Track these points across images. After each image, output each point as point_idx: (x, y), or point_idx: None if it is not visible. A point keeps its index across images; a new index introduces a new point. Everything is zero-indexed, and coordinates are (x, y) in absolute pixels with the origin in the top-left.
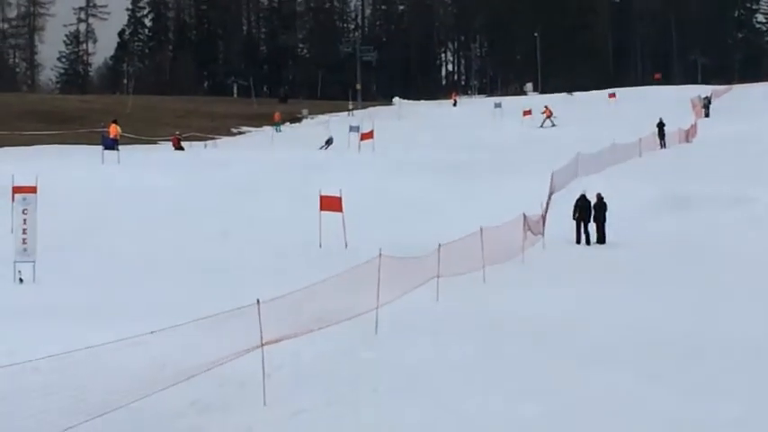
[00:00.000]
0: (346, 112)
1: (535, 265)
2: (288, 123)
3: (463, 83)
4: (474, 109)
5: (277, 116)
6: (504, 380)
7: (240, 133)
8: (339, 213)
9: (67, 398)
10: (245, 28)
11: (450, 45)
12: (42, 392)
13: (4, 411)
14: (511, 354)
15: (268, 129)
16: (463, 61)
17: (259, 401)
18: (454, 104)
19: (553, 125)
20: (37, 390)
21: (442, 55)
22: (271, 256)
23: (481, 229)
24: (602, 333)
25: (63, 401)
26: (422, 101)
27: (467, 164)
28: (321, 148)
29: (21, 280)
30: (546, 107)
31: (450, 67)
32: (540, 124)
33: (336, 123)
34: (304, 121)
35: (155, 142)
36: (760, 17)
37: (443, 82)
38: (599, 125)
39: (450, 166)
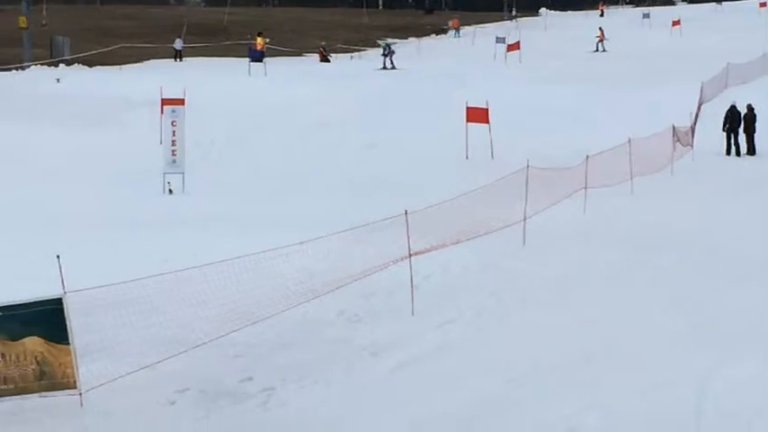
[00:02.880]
0: (493, 24)
1: (684, 176)
2: (434, 35)
3: None
4: (622, 19)
5: (455, 22)
6: (651, 291)
7: None
8: (485, 125)
9: (217, 307)
10: None
11: None
12: (193, 301)
13: (154, 321)
14: (658, 265)
15: (413, 40)
16: None
17: (407, 312)
18: (601, 15)
19: (604, 50)
20: (188, 299)
21: None
22: (417, 167)
23: (629, 140)
24: (751, 247)
25: (212, 310)
26: (569, 11)
27: (615, 75)
28: (384, 61)
29: (170, 191)
30: (600, 29)
31: None
32: (593, 49)
33: (483, 36)
34: (450, 32)
35: (300, 54)
36: None
37: None
38: (749, 35)
39: (598, 76)
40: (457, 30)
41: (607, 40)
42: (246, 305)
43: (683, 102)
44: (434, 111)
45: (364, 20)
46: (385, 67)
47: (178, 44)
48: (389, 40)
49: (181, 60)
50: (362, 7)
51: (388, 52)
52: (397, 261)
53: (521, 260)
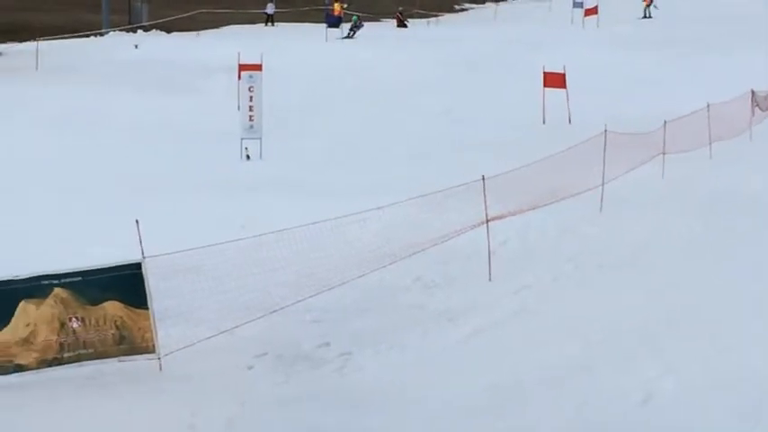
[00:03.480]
0: None
1: (763, 141)
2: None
3: None
4: None
5: None
6: (731, 256)
7: (463, 10)
8: (563, 90)
9: (294, 272)
10: None
11: None
12: (270, 267)
13: (231, 286)
14: (738, 230)
15: (490, 5)
16: None
17: (484, 277)
18: None
19: (650, 16)
20: (265, 264)
21: None
22: (494, 132)
23: (708, 105)
24: None
25: (290, 275)
26: None
27: (697, 38)
28: (347, 36)
29: (248, 157)
30: None
31: None
32: (641, 15)
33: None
34: None
35: (378, 19)
36: None
37: None
38: None
39: (680, 41)
40: None
41: (656, 8)
42: (323, 270)
43: (763, 66)
44: (511, 76)
45: None
46: (347, 37)
47: (270, 8)
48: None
49: (273, 25)
50: None
51: (356, 26)
52: (474, 227)
53: (598, 225)
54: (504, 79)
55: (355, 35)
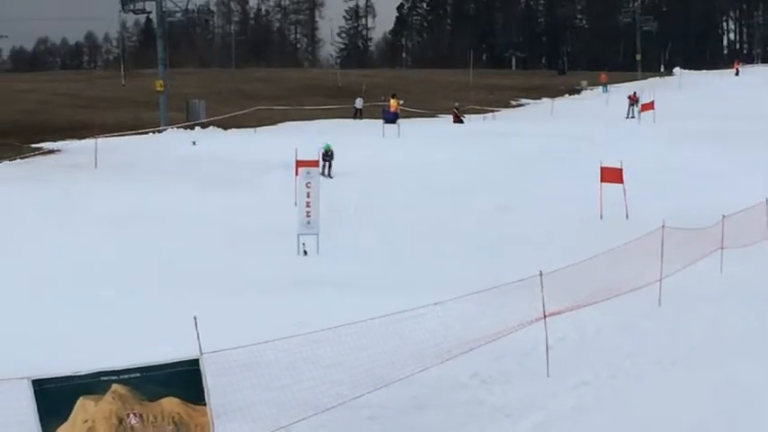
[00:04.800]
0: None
1: None
2: (567, 95)
3: (745, 51)
4: (758, 78)
5: (603, 77)
6: None
7: (519, 105)
8: (620, 185)
9: (351, 368)
10: (523, 0)
11: (732, 13)
12: (326, 363)
13: (288, 382)
14: None
15: (546, 101)
16: (745, 30)
17: (541, 373)
18: (736, 74)
19: (633, 116)
20: (321, 361)
21: (724, 24)
22: (550, 228)
23: (767, 200)
24: None
25: (345, 372)
26: (703, 71)
27: (750, 133)
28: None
29: (305, 252)
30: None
31: (731, 36)
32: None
33: (616, 93)
34: (583, 92)
35: (434, 115)
36: None
37: (725, 51)
38: None
39: (734, 135)
40: (605, 85)
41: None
42: (380, 367)
43: None
44: (567, 171)
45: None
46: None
47: (359, 103)
48: (326, 145)
49: (361, 118)
50: (495, 68)
51: (327, 158)
52: (531, 322)
53: (656, 321)
54: (560, 174)
55: (329, 172)
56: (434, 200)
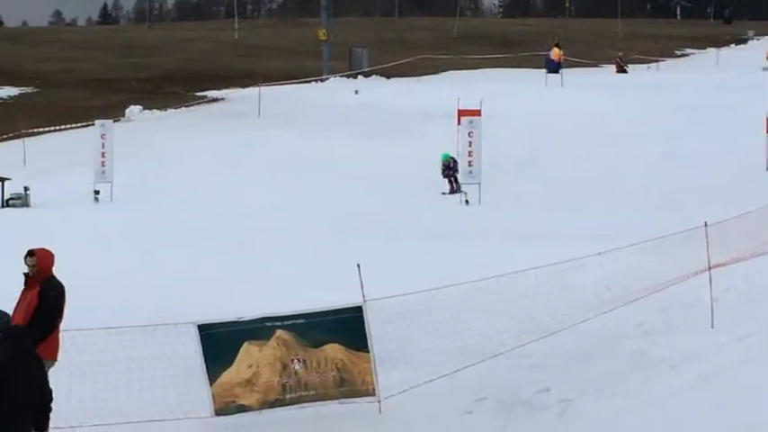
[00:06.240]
0: None
1: None
2: (733, 45)
3: None
4: None
5: None
6: None
7: (684, 55)
8: None
9: (514, 317)
10: None
11: None
12: (490, 311)
13: (452, 330)
14: None
15: (711, 51)
16: None
17: (706, 324)
18: None
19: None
20: (484, 309)
21: None
22: (715, 177)
23: None
24: None
25: (509, 320)
26: None
27: None
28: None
29: (467, 202)
30: None
31: None
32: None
33: None
34: (750, 42)
35: (597, 65)
36: None
37: None
38: None
39: None
40: None
41: None
42: (543, 316)
43: None
44: (733, 121)
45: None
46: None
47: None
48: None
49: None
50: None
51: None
52: (696, 274)
53: None
54: (725, 125)
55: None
56: (598, 150)
